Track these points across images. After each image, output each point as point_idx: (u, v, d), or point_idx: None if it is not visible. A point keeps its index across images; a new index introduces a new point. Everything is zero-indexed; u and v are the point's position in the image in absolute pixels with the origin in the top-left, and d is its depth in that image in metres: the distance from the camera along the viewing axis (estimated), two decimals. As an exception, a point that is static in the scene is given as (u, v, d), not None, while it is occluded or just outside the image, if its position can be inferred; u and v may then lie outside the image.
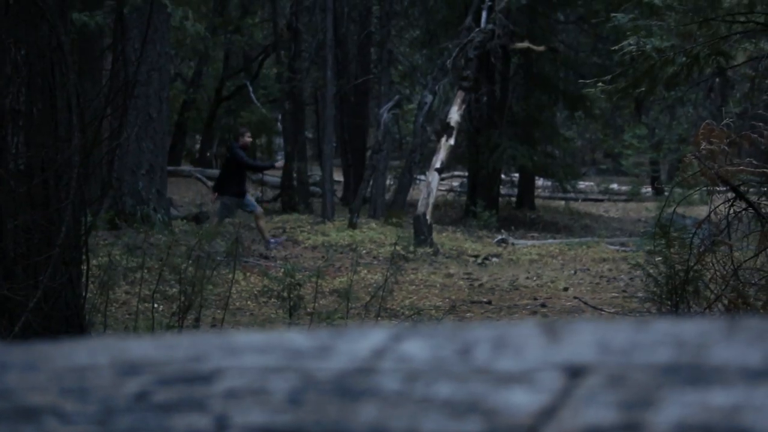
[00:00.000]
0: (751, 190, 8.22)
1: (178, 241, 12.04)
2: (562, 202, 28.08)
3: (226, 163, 16.41)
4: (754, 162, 6.63)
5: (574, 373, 0.79)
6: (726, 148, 6.53)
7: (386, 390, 0.79)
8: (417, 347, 0.84)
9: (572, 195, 28.54)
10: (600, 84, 8.44)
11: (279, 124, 29.76)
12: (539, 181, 28.80)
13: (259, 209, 16.15)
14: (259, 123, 29.85)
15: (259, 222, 15.90)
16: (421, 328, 0.89)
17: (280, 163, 17.33)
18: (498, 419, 0.76)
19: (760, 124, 6.88)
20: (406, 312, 11.41)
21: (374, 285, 12.48)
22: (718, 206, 6.84)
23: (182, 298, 9.58)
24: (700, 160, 6.52)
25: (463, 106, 19.03)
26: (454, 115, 18.59)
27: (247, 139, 16.33)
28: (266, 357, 0.87)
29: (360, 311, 10.93)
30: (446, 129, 18.47)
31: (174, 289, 9.90)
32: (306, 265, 13.97)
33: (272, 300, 11.41)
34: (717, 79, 21.33)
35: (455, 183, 30.11)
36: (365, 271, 13.99)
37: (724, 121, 6.76)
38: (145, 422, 0.83)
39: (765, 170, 6.51)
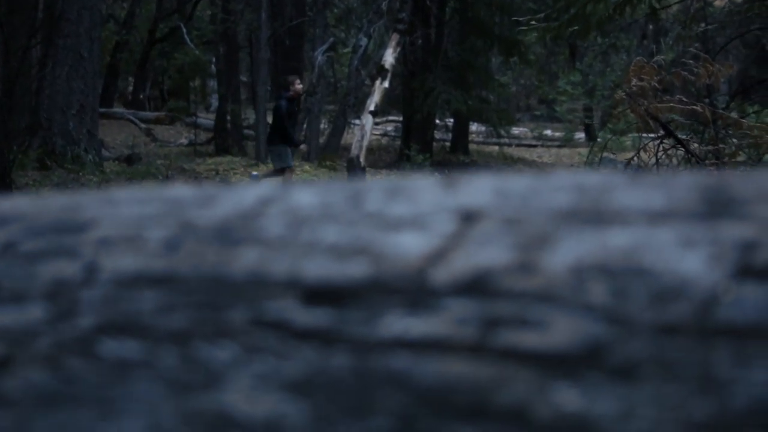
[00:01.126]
0: (682, 134, 8.28)
1: (109, 182, 11.89)
2: (496, 147, 28.12)
3: (273, 112, 15.64)
4: (684, 99, 6.64)
5: (468, 217, 0.75)
6: (656, 85, 6.54)
7: (269, 235, 0.75)
8: (307, 196, 0.79)
9: (506, 140, 28.57)
10: (533, 22, 8.41)
11: (213, 66, 29.40)
12: (473, 126, 28.78)
13: (292, 165, 15.57)
14: (192, 65, 29.49)
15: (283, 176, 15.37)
16: (315, 183, 0.84)
17: (304, 147, 16.60)
18: (386, 262, 0.71)
19: (691, 61, 6.89)
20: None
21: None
22: (647, 144, 6.86)
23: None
24: (631, 96, 6.52)
25: (398, 49, 18.91)
26: (389, 58, 18.46)
27: (298, 86, 15.28)
28: (145, 207, 0.82)
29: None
30: (381, 72, 18.34)
31: (103, 228, 9.77)
32: (238, 207, 13.82)
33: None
34: (650, 26, 21.47)
35: (390, 128, 30.01)
36: (298, 213, 13.89)
37: (655, 58, 6.76)
38: (9, 271, 0.78)
39: (695, 107, 6.53)
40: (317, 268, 0.71)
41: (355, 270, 0.71)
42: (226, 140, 23.66)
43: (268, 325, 0.69)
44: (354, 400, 0.65)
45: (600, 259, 0.69)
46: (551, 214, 0.74)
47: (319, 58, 21.08)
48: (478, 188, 0.79)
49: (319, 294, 0.70)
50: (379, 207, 0.77)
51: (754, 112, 11.12)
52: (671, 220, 0.72)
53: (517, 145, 29.97)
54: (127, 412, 0.70)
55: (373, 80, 18.94)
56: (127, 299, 0.73)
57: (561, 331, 0.66)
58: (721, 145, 6.74)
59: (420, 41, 21.77)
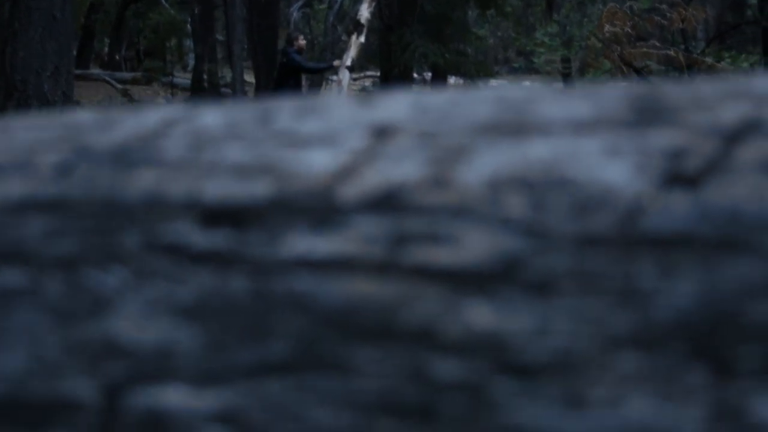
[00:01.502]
0: (658, 79, 8.24)
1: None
2: (475, 101, 27.99)
3: (280, 68, 15.68)
4: (657, 44, 6.59)
5: (382, 132, 0.70)
6: (629, 30, 6.49)
7: (169, 157, 0.70)
8: (213, 116, 0.74)
9: (485, 93, 28.41)
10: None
11: (188, 26, 29.18)
12: (452, 79, 28.63)
13: None
14: (168, 25, 29.27)
15: None
16: (224, 102, 0.79)
17: (337, 62, 16.72)
18: (291, 181, 0.66)
19: (664, 6, 6.84)
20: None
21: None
22: (622, 90, 6.81)
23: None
24: (604, 42, 6.47)
25: (373, 4, 18.76)
26: (365, 13, 18.31)
27: (302, 42, 15.58)
28: (41, 132, 0.76)
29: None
30: (357, 27, 18.20)
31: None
32: (215, 165, 13.76)
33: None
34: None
35: (368, 83, 29.85)
36: (276, 170, 13.84)
37: (627, 4, 6.71)
38: None
39: (668, 53, 6.48)
40: (218, 189, 0.66)
41: (258, 189, 0.66)
42: (203, 99, 23.53)
43: (162, 248, 0.64)
44: (251, 324, 0.60)
45: (519, 172, 0.65)
46: (470, 127, 0.69)
47: (295, 14, 20.93)
48: (395, 103, 0.74)
49: (218, 215, 0.65)
50: (289, 125, 0.72)
51: (729, 57, 11.09)
52: (597, 130, 0.67)
53: (497, 98, 29.78)
54: (8, 343, 0.65)
55: (349, 35, 18.80)
56: (12, 226, 0.68)
57: (475, 246, 0.62)
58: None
59: (396, -5, 21.60)
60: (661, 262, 0.60)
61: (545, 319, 0.58)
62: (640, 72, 6.55)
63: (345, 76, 17.88)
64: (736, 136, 0.65)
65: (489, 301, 0.60)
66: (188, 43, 33.09)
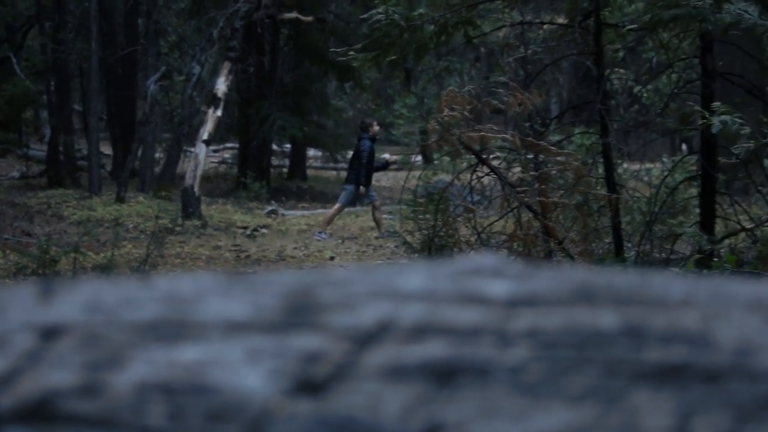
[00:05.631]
0: (500, 156, 8.44)
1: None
2: (334, 173, 28.19)
3: (361, 152, 15.54)
4: (495, 128, 6.78)
5: (49, 334, 0.74)
6: (467, 114, 6.66)
7: None
8: None
9: (344, 165, 28.61)
10: (351, 53, 8.47)
11: (44, 96, 28.80)
12: (311, 152, 28.80)
13: (377, 201, 15.60)
14: (22, 96, 28.85)
15: (375, 213, 15.37)
16: None
17: (392, 158, 16.82)
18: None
19: (501, 90, 7.04)
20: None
21: (139, 259, 12.24)
22: (461, 171, 6.97)
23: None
24: (443, 126, 6.63)
25: (230, 77, 18.84)
26: (221, 86, 18.39)
27: (376, 127, 15.70)
28: None
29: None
30: (214, 100, 18.25)
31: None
32: (70, 241, 13.55)
33: (30, 278, 11.03)
34: (482, 49, 21.97)
35: (227, 155, 29.81)
36: (130, 246, 13.69)
37: (466, 88, 6.89)
38: None
39: (505, 135, 6.67)
40: None
41: None
42: (59, 172, 23.16)
43: None
44: None
45: (164, 378, 0.70)
46: (133, 328, 0.74)
47: (152, 86, 20.85)
48: (72, 300, 0.78)
49: None
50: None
51: (577, 134, 11.41)
52: (248, 331, 0.73)
53: (356, 169, 30.04)
54: None
55: (207, 108, 18.82)
56: None
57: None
58: (532, 172, 6.90)
59: (252, 69, 21.72)
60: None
61: None
62: (478, 154, 6.73)
63: (201, 150, 17.86)
64: (368, 339, 0.71)
65: None
66: (44, 114, 32.64)
